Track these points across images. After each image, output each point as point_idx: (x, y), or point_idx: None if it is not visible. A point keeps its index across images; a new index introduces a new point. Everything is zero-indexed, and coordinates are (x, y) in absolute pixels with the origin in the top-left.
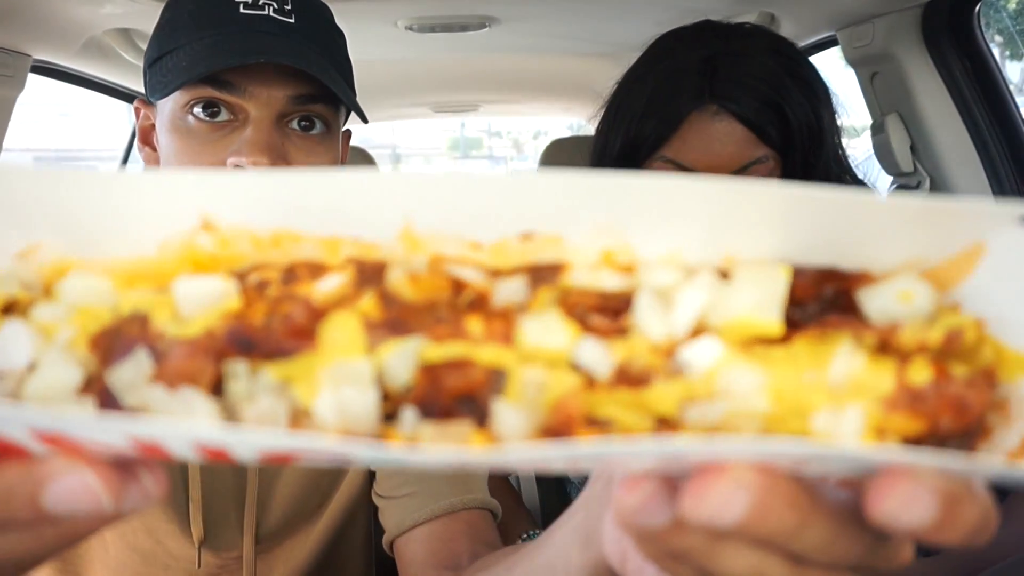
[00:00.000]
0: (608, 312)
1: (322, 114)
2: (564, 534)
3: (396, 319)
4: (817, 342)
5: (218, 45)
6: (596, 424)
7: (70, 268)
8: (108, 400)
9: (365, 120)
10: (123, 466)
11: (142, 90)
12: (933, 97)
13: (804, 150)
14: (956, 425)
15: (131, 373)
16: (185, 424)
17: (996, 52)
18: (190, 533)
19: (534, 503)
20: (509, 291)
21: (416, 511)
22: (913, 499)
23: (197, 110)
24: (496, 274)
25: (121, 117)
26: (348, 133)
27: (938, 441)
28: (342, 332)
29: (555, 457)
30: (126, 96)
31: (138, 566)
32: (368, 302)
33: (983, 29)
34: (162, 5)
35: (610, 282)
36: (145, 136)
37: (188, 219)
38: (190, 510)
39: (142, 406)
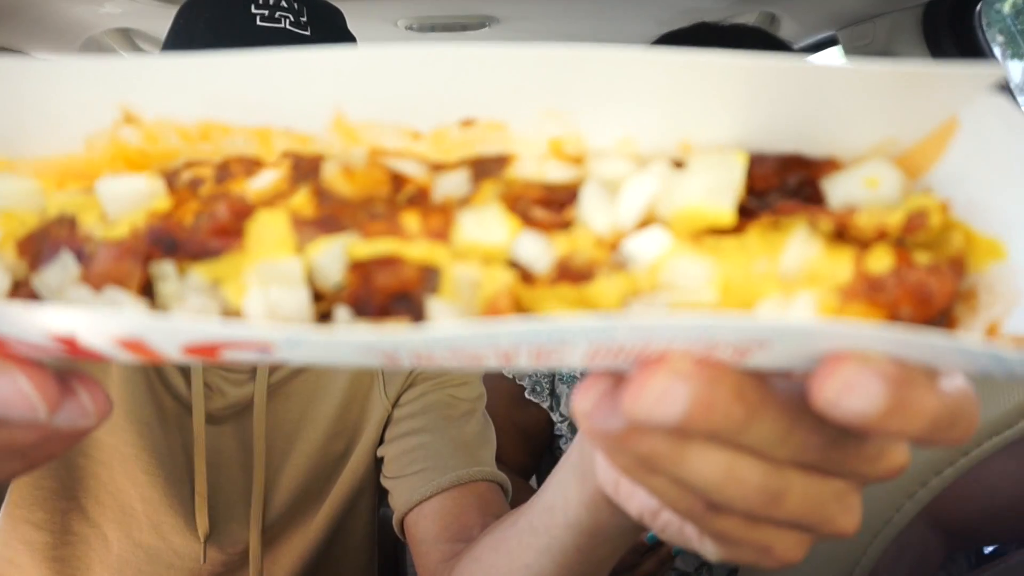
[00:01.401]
0: (553, 205)
1: None
2: (561, 474)
3: (329, 216)
4: (770, 230)
5: None
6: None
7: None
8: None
9: None
10: (62, 379)
11: None
12: None
13: None
14: (917, 316)
15: (57, 276)
16: (104, 313)
17: (998, 51)
18: (195, 528)
19: None
20: (450, 185)
21: (425, 485)
22: (857, 382)
23: None
24: (439, 168)
25: None
26: None
27: None
28: (269, 230)
29: (480, 339)
30: None
31: (141, 564)
32: (301, 198)
33: (984, 28)
34: (161, 5)
35: (556, 173)
36: None
37: (112, 111)
38: (195, 504)
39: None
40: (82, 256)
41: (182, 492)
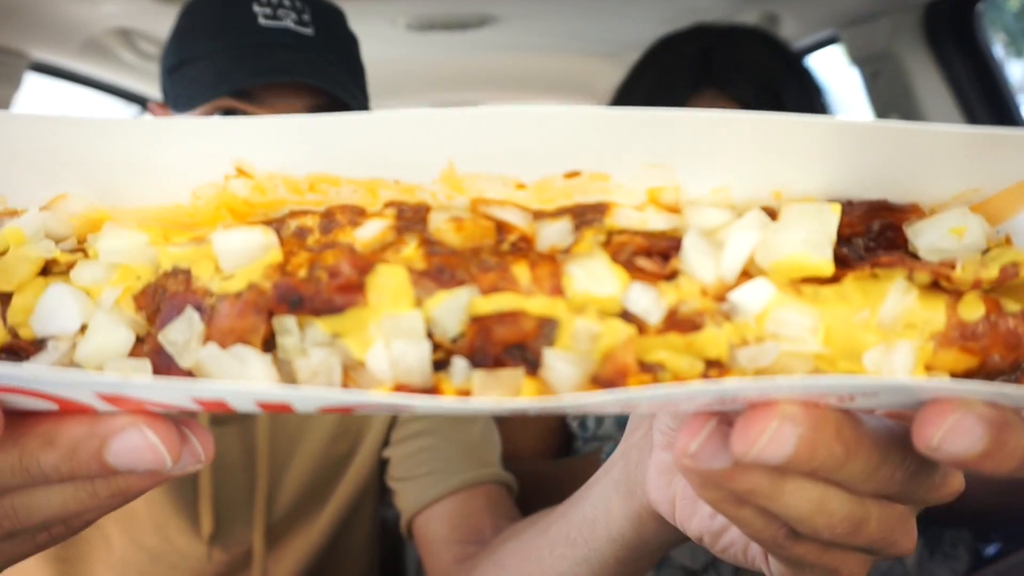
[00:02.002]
0: (654, 254)
1: None
2: (602, 487)
3: (441, 267)
4: (868, 280)
5: (240, 60)
6: (647, 368)
7: (103, 220)
8: (163, 360)
9: None
10: (178, 428)
11: (142, 90)
12: (935, 96)
13: None
14: (1007, 361)
15: (182, 332)
16: (247, 385)
17: (1000, 51)
18: (199, 529)
19: None
20: (553, 234)
21: (434, 487)
22: (961, 428)
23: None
24: (539, 216)
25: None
26: None
27: (987, 376)
28: (390, 285)
29: (610, 402)
30: (126, 96)
31: (144, 565)
32: (411, 250)
33: (986, 28)
34: (161, 5)
35: (656, 222)
36: None
37: (221, 165)
38: (199, 505)
39: (197, 365)
40: (202, 310)
41: (186, 493)
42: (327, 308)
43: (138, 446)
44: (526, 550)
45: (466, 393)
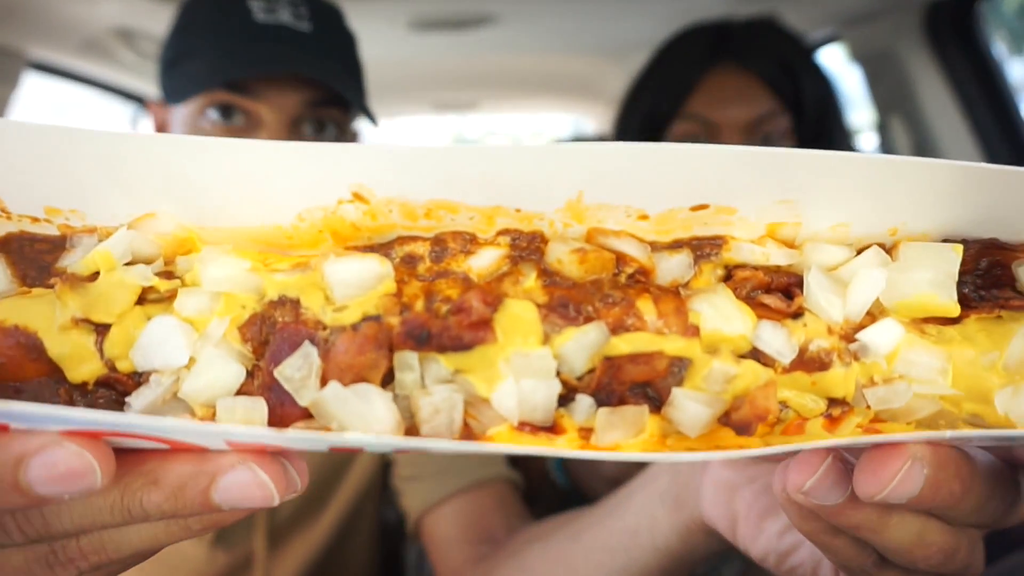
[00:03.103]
0: (773, 290)
1: (334, 118)
2: (646, 498)
3: (565, 301)
4: (991, 321)
5: (236, 52)
6: None
7: (190, 240)
8: (277, 396)
9: (375, 122)
10: (280, 460)
11: (142, 89)
12: (936, 95)
13: (813, 119)
14: None
15: (300, 368)
16: (388, 439)
17: (1004, 49)
18: None
19: None
20: (673, 267)
21: (443, 486)
22: None
23: (212, 114)
24: (656, 247)
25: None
26: (355, 135)
27: None
28: (520, 321)
29: (723, 458)
30: (126, 96)
31: (146, 566)
32: (531, 282)
33: (987, 27)
34: (160, 4)
35: (777, 257)
36: None
37: (336, 190)
38: None
39: (316, 404)
40: (317, 344)
41: None
42: (455, 345)
43: (247, 484)
44: (555, 556)
45: (588, 431)
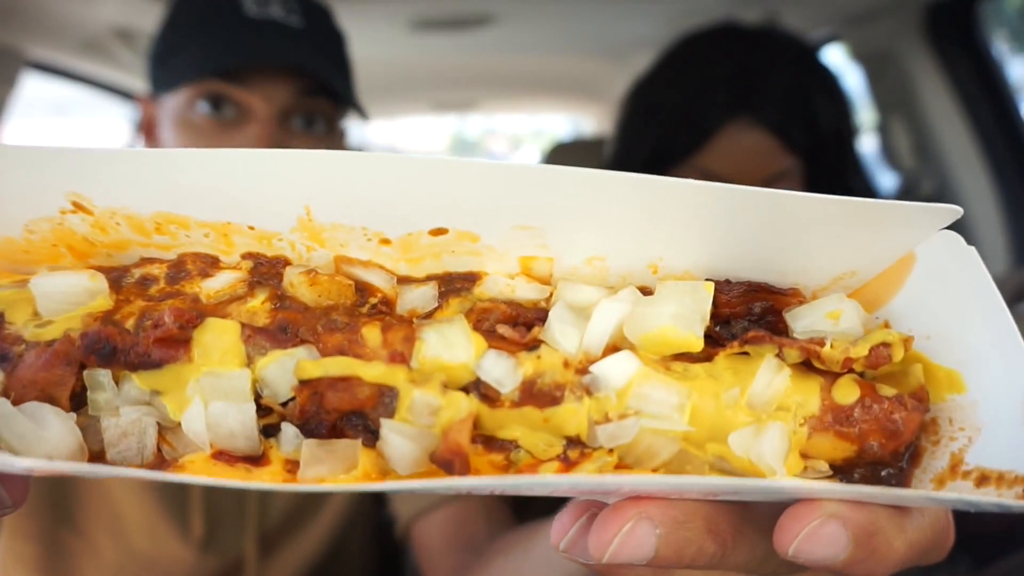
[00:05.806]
0: (520, 324)
1: (324, 110)
2: None
3: (284, 324)
4: (739, 360)
5: (230, 43)
6: (499, 446)
7: None
8: None
9: (366, 117)
10: None
11: (141, 88)
12: (936, 95)
13: (829, 156)
14: (887, 449)
15: None
16: (50, 463)
17: (1004, 49)
18: (190, 533)
19: None
20: (416, 298)
21: (432, 494)
22: (821, 535)
23: (202, 105)
24: (406, 280)
25: (120, 117)
26: (343, 130)
27: (870, 466)
28: (219, 341)
29: (445, 487)
30: (125, 95)
31: (137, 570)
32: (257, 304)
33: (987, 27)
34: (159, 3)
35: (526, 292)
36: (148, 131)
37: (53, 199)
38: (190, 508)
39: None
40: (8, 359)
41: (177, 497)
42: (143, 363)
43: None
44: (513, 569)
45: (294, 463)
